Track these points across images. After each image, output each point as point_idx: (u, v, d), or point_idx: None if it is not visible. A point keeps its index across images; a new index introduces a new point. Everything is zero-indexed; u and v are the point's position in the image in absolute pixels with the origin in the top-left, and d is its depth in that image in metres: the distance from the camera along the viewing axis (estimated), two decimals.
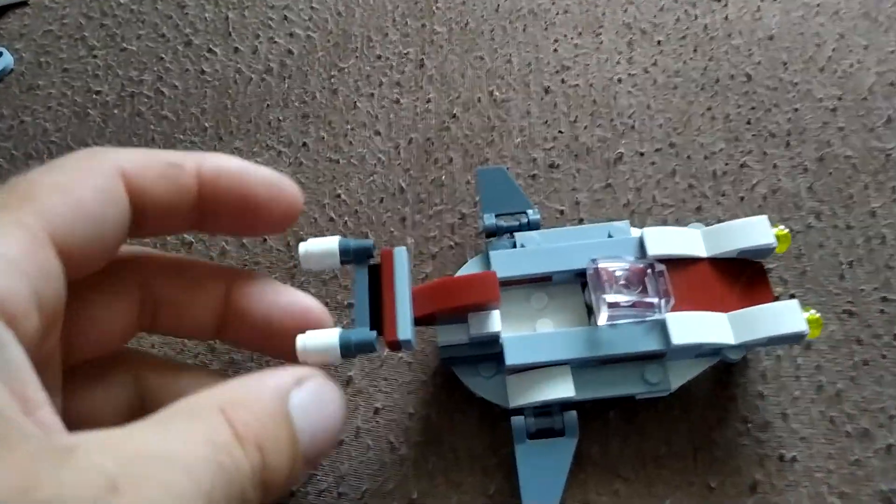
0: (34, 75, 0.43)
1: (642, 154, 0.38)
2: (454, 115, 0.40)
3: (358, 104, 0.40)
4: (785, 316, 0.28)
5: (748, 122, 0.38)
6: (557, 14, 0.42)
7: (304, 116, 0.40)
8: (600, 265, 0.29)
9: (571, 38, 0.42)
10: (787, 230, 0.30)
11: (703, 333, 0.28)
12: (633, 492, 0.30)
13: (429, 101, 0.40)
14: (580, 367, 0.29)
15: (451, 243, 0.36)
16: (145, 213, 0.22)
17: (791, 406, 0.32)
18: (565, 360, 0.28)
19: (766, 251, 0.30)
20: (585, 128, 0.39)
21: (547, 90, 0.40)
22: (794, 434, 0.31)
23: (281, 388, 0.20)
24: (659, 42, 0.41)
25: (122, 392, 0.25)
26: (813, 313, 0.29)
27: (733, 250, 0.30)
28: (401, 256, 0.26)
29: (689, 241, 0.31)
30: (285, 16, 0.44)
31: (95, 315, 0.23)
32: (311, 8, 0.44)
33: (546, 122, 0.39)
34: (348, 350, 0.23)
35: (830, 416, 0.31)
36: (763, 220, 0.30)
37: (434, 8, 0.43)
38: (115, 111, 0.41)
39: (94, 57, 0.43)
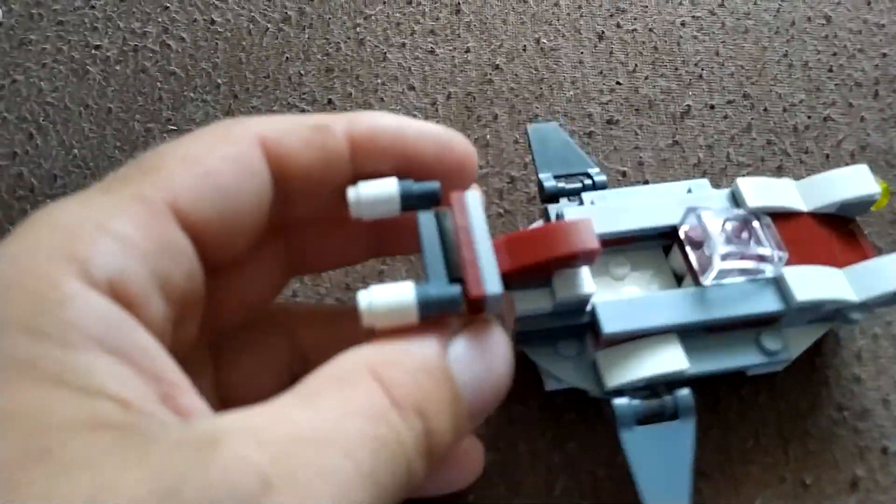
0: (26, 29, 0.38)
1: (713, 107, 0.34)
2: (497, 67, 0.35)
3: (388, 55, 0.36)
4: None
5: (830, 70, 0.34)
6: None
7: (328, 70, 0.36)
8: (702, 212, 0.24)
9: None
10: (885, 182, 0.27)
11: (828, 289, 0.24)
12: (718, 491, 0.27)
13: (468, 50, 0.36)
14: (684, 337, 0.24)
15: (501, 210, 0.32)
16: (291, 186, 0.20)
17: (893, 391, 0.28)
18: (672, 327, 0.23)
19: (867, 203, 0.26)
20: (646, 78, 0.34)
21: (601, 36, 0.36)
22: None
23: (437, 338, 0.18)
24: None
25: (277, 355, 0.23)
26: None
27: (834, 203, 0.26)
28: (474, 200, 0.21)
29: (787, 192, 0.27)
30: None
31: (238, 278, 0.21)
32: None
33: (601, 72, 0.35)
34: (428, 308, 0.18)
35: None
36: (863, 169, 0.26)
37: None
38: (118, 68, 0.37)
39: (92, 7, 0.39)
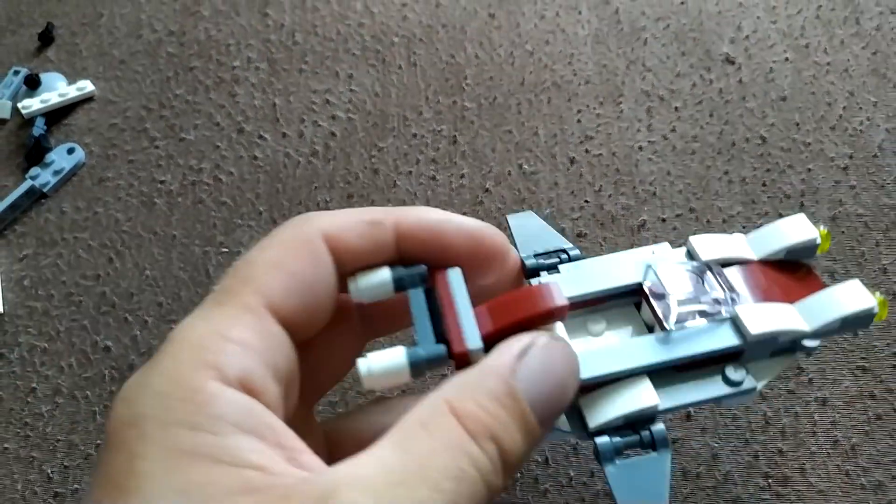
0: (104, 167, 0.47)
1: (664, 220, 0.41)
2: (487, 190, 0.43)
3: (398, 182, 0.44)
4: (851, 294, 0.27)
5: (763, 185, 0.41)
6: (580, 85, 0.45)
7: (349, 196, 0.44)
8: (660, 268, 0.27)
9: (594, 108, 0.45)
10: (825, 229, 0.29)
11: (779, 321, 0.26)
12: None
13: (463, 176, 0.44)
14: (655, 378, 0.26)
15: None
16: (347, 270, 0.24)
17: (809, 461, 0.34)
18: (641, 368, 0.25)
19: (811, 248, 0.29)
20: (610, 196, 0.42)
21: (572, 161, 0.43)
22: (812, 488, 0.34)
23: (504, 366, 0.20)
24: (676, 108, 0.44)
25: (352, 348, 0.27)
26: (879, 295, 0.27)
27: (781, 249, 0.29)
28: (456, 275, 0.24)
29: (736, 245, 0.29)
30: (327, 99, 0.47)
31: (326, 351, 0.25)
32: (351, 90, 0.47)
33: (573, 192, 0.42)
34: (418, 367, 0.22)
35: (846, 469, 0.34)
36: (801, 217, 0.29)
37: (463, 84, 0.46)
38: (179, 199, 0.45)
39: (157, 147, 0.47)
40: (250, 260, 0.23)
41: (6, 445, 0.37)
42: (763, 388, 0.26)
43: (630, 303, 0.29)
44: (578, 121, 0.44)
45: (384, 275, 0.24)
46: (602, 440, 0.24)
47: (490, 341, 0.23)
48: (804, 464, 0.34)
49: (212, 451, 0.18)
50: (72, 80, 0.51)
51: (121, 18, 0.54)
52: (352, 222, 0.24)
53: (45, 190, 0.46)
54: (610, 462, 0.24)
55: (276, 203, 0.44)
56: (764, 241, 0.29)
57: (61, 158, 0.47)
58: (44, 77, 0.51)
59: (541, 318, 0.24)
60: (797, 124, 0.42)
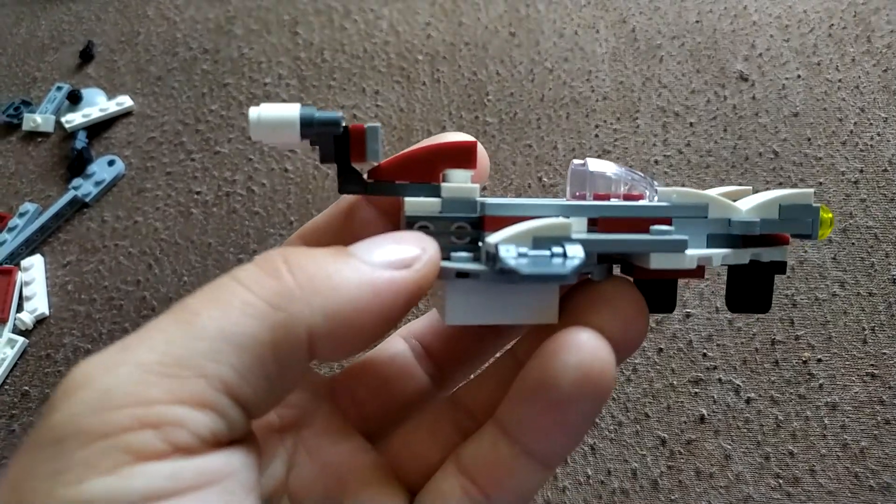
0: (142, 179, 0.49)
1: None
2: None
3: None
4: (793, 191, 0.22)
5: None
6: (597, 101, 0.47)
7: None
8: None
9: (611, 124, 0.46)
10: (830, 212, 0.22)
11: (703, 195, 0.22)
12: None
13: (485, 188, 0.45)
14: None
15: None
16: None
17: (819, 463, 0.36)
18: (554, 206, 0.22)
19: (805, 216, 0.22)
20: None
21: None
22: (822, 489, 0.35)
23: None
24: (691, 123, 0.45)
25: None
26: (828, 209, 0.22)
27: (774, 200, 0.23)
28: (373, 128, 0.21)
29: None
30: (354, 114, 0.49)
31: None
32: (377, 106, 0.49)
33: None
34: (310, 125, 0.19)
35: (855, 471, 0.35)
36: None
37: (485, 100, 0.48)
38: (215, 209, 0.47)
39: (193, 160, 0.50)
40: None
41: None
42: (702, 259, 0.20)
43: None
44: (596, 135, 0.46)
45: (292, 110, 0.20)
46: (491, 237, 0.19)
47: (393, 168, 0.21)
48: (814, 465, 0.36)
49: None
50: (111, 95, 0.53)
51: (157, 37, 0.56)
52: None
53: (86, 200, 0.48)
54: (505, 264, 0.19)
55: (305, 213, 0.46)
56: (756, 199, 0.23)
57: (102, 170, 0.49)
58: (85, 92, 0.53)
59: (451, 156, 0.21)
60: (809, 139, 0.44)
